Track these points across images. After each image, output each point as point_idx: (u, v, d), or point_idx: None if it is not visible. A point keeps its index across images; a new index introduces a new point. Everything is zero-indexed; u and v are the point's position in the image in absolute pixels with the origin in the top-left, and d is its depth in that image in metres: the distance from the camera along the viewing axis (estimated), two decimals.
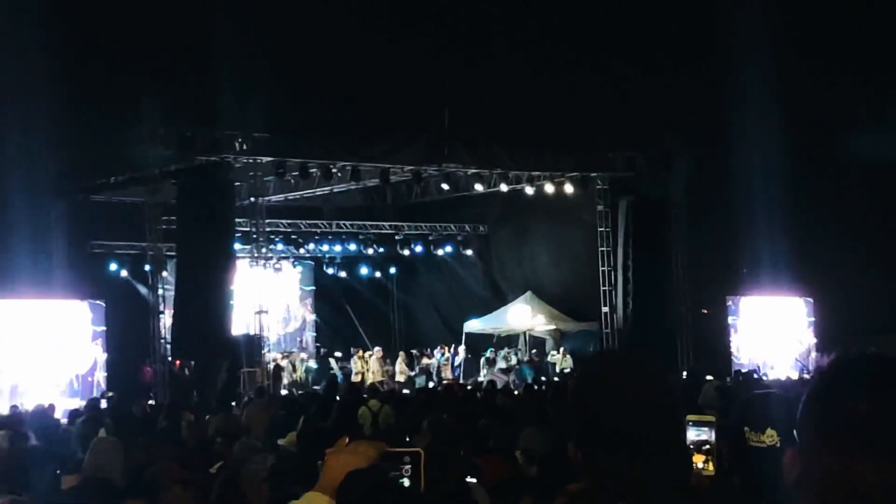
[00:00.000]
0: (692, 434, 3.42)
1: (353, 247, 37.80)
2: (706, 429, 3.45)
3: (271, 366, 31.17)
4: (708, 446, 3.42)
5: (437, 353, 36.37)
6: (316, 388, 29.88)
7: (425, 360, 36.32)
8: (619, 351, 26.68)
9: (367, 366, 35.01)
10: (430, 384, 32.87)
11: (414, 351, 37.28)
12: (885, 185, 31.78)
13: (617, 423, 2.66)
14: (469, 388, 24.87)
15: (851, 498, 2.13)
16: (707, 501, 2.87)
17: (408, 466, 3.10)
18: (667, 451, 2.68)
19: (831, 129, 31.56)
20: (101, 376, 29.23)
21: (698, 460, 3.39)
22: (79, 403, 23.47)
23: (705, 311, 34.43)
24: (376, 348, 36.14)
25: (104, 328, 29.57)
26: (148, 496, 7.46)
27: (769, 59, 27.95)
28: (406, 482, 3.09)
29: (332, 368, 35.07)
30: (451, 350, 36.44)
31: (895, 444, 2.11)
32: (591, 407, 2.76)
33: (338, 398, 19.80)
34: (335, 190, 33.84)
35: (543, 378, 29.39)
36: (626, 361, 2.93)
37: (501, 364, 34.83)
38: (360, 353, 35.89)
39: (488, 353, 35.83)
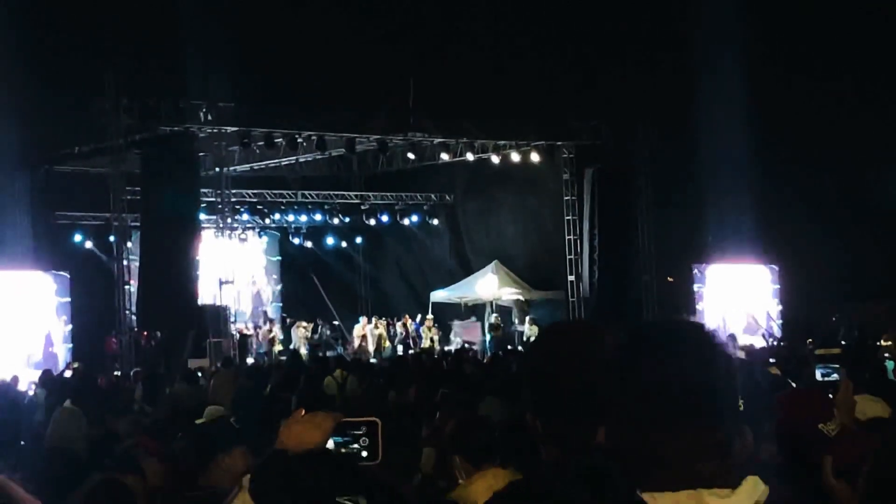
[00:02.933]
0: None
1: (318, 217, 37.66)
2: None
3: (237, 336, 31.15)
4: None
5: (398, 324, 36.40)
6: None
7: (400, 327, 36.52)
8: (570, 320, 26.77)
9: (381, 331, 35.17)
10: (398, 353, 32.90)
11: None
12: (847, 156, 31.91)
13: (567, 385, 2.67)
14: (436, 357, 24.92)
15: (649, 465, 2.11)
16: None
17: (364, 437, 3.08)
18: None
19: (796, 101, 31.64)
20: (65, 348, 29.13)
21: None
22: None
23: (671, 279, 34.51)
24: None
25: (68, 299, 29.45)
26: (136, 471, 7.39)
27: (735, 31, 27.97)
28: (364, 453, 3.07)
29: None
30: (418, 320, 36.46)
31: (687, 411, 2.10)
32: (542, 373, 2.77)
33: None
34: (301, 159, 33.70)
35: (509, 347, 29.43)
36: (576, 327, 2.93)
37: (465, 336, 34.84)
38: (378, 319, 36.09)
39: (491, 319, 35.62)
